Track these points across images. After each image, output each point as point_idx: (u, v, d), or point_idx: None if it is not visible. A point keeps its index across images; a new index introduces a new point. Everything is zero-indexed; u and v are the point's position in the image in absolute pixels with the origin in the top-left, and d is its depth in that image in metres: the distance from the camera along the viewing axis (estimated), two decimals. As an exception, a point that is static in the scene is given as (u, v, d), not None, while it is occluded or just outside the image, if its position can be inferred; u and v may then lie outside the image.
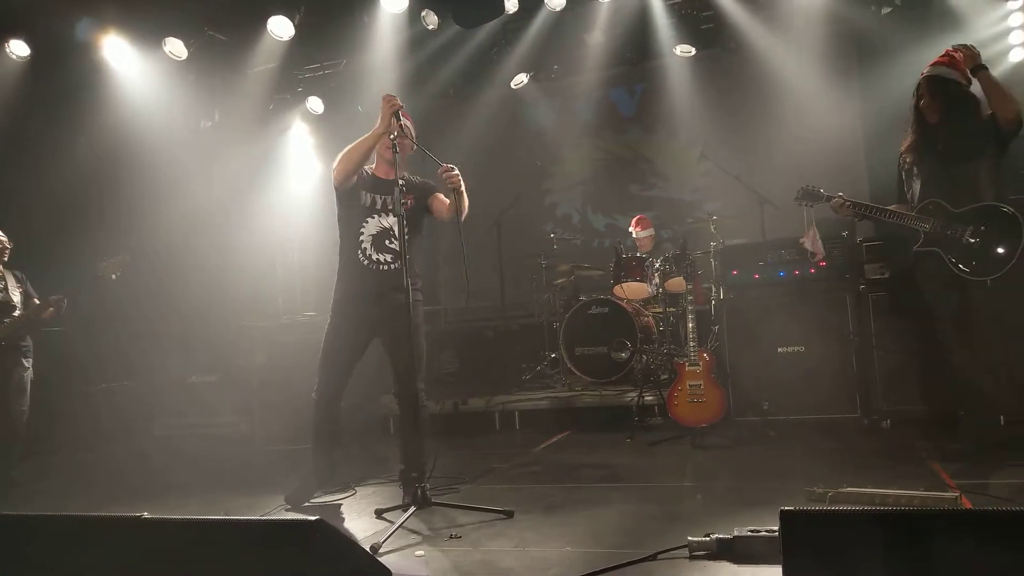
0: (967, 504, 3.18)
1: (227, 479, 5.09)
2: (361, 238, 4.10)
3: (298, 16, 6.78)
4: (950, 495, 3.25)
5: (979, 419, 4.05)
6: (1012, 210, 3.82)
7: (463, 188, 3.93)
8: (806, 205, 4.41)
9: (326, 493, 4.27)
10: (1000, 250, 3.80)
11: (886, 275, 5.06)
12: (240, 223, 7.83)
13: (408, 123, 3.99)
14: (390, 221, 4.09)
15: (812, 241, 4.69)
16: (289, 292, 8.33)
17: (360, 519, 3.85)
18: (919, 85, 4.07)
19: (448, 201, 4.07)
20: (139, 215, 7.12)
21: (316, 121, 8.47)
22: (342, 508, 4.10)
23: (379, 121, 3.90)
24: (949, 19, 6.44)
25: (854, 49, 7.71)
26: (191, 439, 6.47)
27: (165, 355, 6.88)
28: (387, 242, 4.09)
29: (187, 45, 6.95)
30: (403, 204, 3.76)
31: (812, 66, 7.25)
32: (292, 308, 7.78)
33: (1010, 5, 6.33)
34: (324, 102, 8.16)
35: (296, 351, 6.09)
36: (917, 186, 4.10)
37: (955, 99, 3.93)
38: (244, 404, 6.35)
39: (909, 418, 4.89)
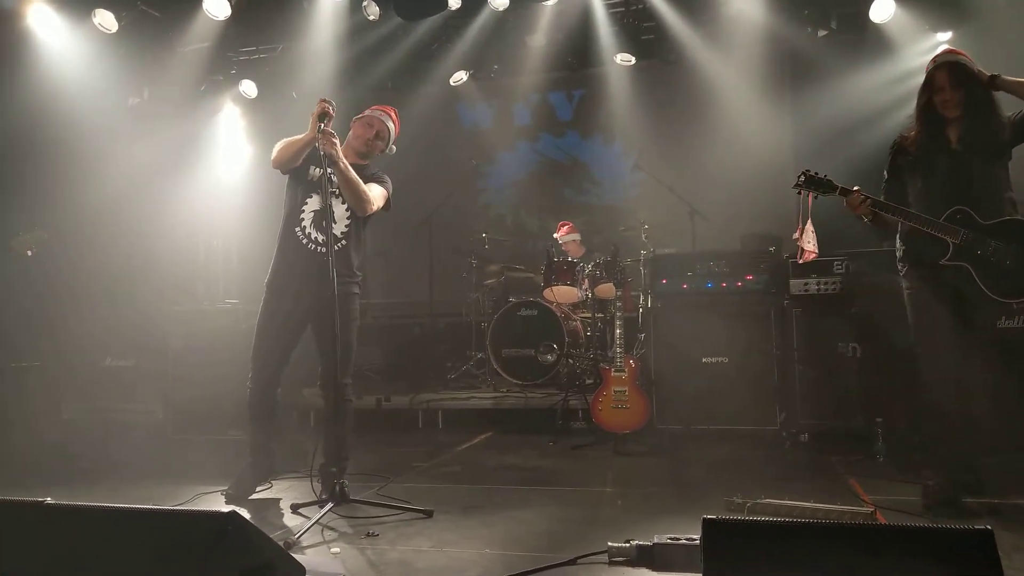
0: (881, 519, 3.26)
1: (139, 467, 4.87)
2: (302, 214, 3.94)
3: (236, -4, 6.58)
4: (865, 510, 3.34)
5: (960, 445, 3.63)
6: None
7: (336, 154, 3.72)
8: (808, 194, 3.77)
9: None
10: None
11: (809, 291, 5.16)
12: (164, 205, 7.54)
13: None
14: (332, 200, 3.89)
15: (808, 237, 4.08)
16: (211, 278, 8.06)
17: (275, 514, 3.74)
18: (933, 77, 3.60)
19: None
20: (59, 191, 6.78)
21: (249, 105, 8.23)
22: (257, 502, 3.97)
23: (310, 125, 3.72)
24: (881, 47, 6.65)
25: (788, 68, 7.90)
26: (102, 424, 6.19)
27: (79, 336, 6.56)
28: (324, 221, 3.82)
29: (118, 18, 6.65)
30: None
31: (748, 82, 7.42)
32: (214, 294, 7.54)
33: (940, 36, 6.59)
34: (258, 86, 7.94)
35: (215, 338, 5.90)
36: (923, 183, 3.68)
37: (977, 91, 3.52)
38: (159, 390, 6.11)
39: (827, 432, 5.01)
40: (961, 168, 3.55)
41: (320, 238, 3.90)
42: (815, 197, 3.73)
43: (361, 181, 3.85)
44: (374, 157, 4.18)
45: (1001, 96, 3.54)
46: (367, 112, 4.21)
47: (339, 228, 3.94)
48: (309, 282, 3.87)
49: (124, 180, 7.21)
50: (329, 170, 3.79)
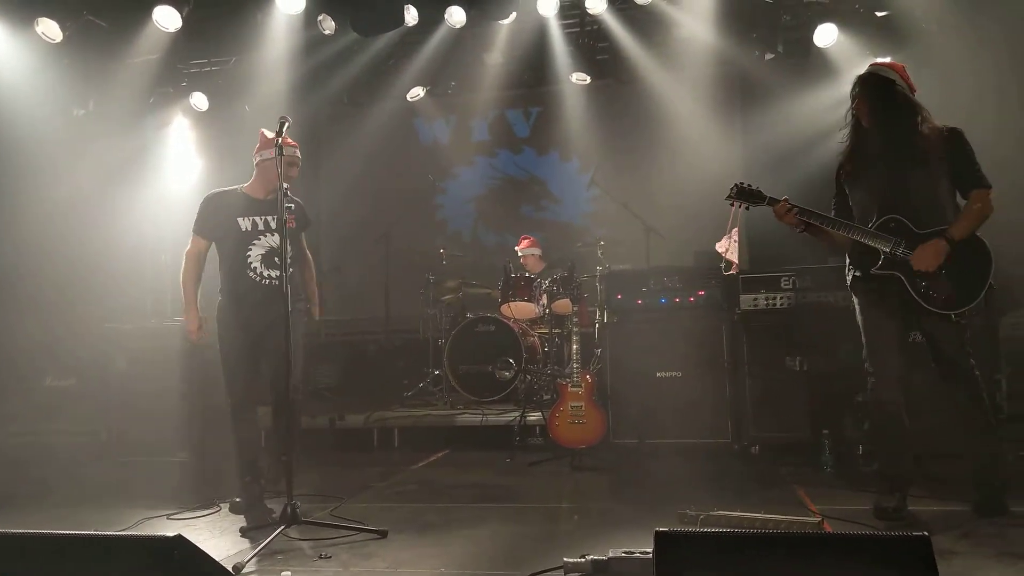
0: (828, 528, 3.32)
1: (82, 492, 4.74)
2: (249, 259, 4.10)
3: (187, 8, 6.46)
4: (812, 519, 3.40)
5: (898, 448, 3.72)
6: (981, 237, 3.48)
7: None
8: (738, 206, 3.81)
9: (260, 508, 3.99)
10: (968, 280, 3.44)
11: (759, 306, 5.27)
12: (110, 219, 7.36)
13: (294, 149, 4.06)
14: (276, 240, 4.05)
15: (730, 247, 4.26)
16: (159, 295, 7.88)
17: (224, 537, 3.67)
18: (854, 85, 3.68)
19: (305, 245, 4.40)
20: (-1, 202, 6.60)
21: (199, 117, 8.10)
22: (205, 525, 3.89)
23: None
24: (825, 69, 6.85)
25: (738, 89, 8.10)
26: (42, 447, 5.98)
27: (16, 356, 6.34)
28: (276, 259, 4.03)
29: (62, 27, 6.48)
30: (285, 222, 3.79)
31: (699, 103, 7.57)
32: (162, 312, 7.37)
33: (880, 61, 6.79)
34: (209, 99, 7.82)
35: (162, 357, 5.74)
36: (860, 194, 3.71)
37: (891, 99, 3.55)
38: (102, 411, 5.92)
39: (776, 444, 5.11)
40: (894, 177, 3.55)
41: (273, 273, 4.09)
42: (747, 208, 3.80)
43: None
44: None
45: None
46: (283, 151, 3.85)
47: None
48: (262, 310, 4.03)
49: (68, 193, 7.04)
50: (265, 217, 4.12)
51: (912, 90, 3.65)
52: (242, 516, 3.96)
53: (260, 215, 4.13)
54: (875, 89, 3.61)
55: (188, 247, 4.24)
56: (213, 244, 4.24)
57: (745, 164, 8.13)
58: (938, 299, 3.49)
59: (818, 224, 3.66)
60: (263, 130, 4.17)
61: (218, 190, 4.27)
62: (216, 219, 4.16)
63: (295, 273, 4.18)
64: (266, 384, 4.12)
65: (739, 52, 6.94)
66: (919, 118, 3.55)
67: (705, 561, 1.99)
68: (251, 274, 4.09)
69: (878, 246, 3.55)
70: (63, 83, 6.99)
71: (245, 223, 4.11)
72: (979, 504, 3.61)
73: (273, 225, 4.11)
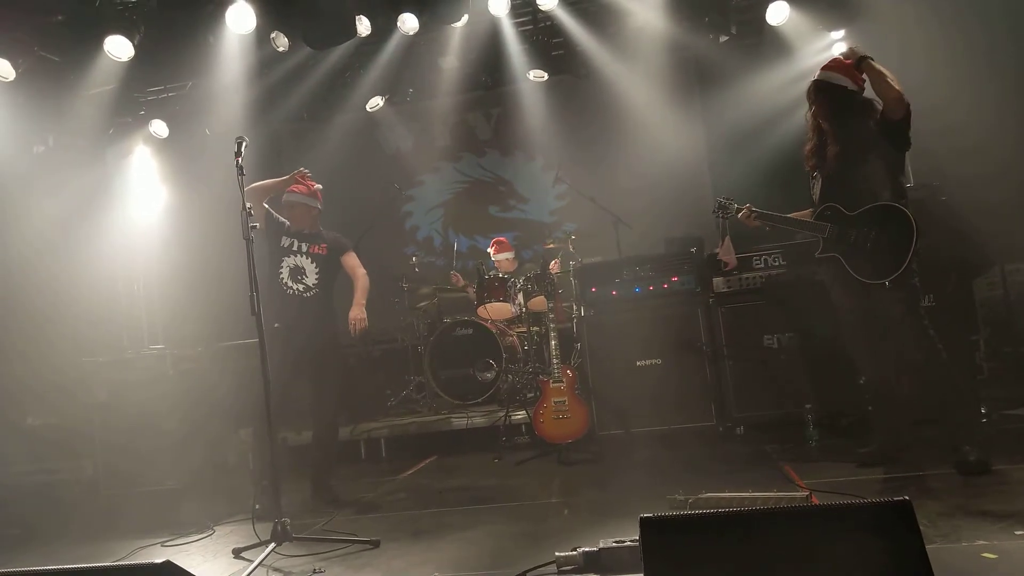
0: (815, 502, 3.37)
1: (72, 527, 4.70)
2: (281, 273, 4.65)
3: (138, 36, 6.40)
4: (800, 494, 3.44)
5: (890, 419, 4.07)
6: (902, 207, 3.81)
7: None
8: (721, 217, 4.31)
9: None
10: (894, 250, 3.78)
11: (732, 288, 5.33)
12: (79, 253, 7.29)
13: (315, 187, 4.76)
14: (303, 261, 4.68)
15: (726, 251, 4.81)
16: (134, 325, 7.82)
17: (217, 560, 3.65)
18: (808, 91, 4.06)
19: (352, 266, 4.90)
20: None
21: (160, 145, 8.04)
22: (197, 550, 3.87)
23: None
24: (779, 47, 6.94)
25: (695, 74, 8.16)
26: (31, 486, 5.92)
27: (-2, 397, 6.27)
28: (300, 276, 4.66)
29: (15, 65, 6.41)
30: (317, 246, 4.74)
31: (657, 90, 7.61)
32: (138, 342, 7.31)
33: (833, 35, 6.90)
34: (169, 125, 7.76)
35: (143, 387, 5.70)
36: (817, 190, 4.12)
37: (842, 103, 3.91)
38: (87, 445, 5.87)
39: (760, 423, 5.16)
40: (844, 171, 3.94)
41: (298, 287, 4.66)
42: (726, 218, 4.30)
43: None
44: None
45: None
46: (307, 192, 4.76)
47: (310, 279, 4.68)
48: (294, 322, 4.55)
49: (34, 230, 6.97)
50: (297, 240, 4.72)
51: (860, 87, 3.94)
52: (234, 537, 3.93)
53: (296, 239, 4.72)
54: (828, 95, 3.96)
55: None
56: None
57: (708, 147, 8.22)
58: (870, 270, 3.86)
59: (771, 224, 4.19)
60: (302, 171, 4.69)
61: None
62: (274, 220, 4.72)
63: (324, 296, 4.70)
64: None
65: (693, 37, 6.99)
66: (867, 114, 3.90)
67: (691, 543, 2.01)
68: (282, 286, 4.64)
69: (816, 234, 4.02)
70: (21, 121, 6.92)
71: (284, 240, 4.71)
72: (958, 464, 3.68)
73: (303, 248, 4.70)
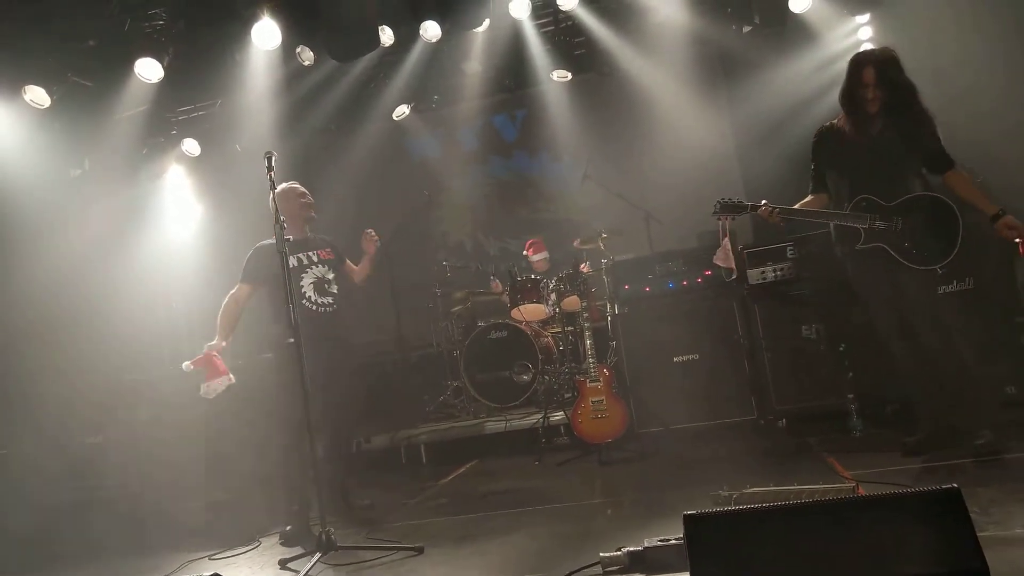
0: (862, 493, 3.32)
1: (124, 542, 4.78)
2: (303, 289, 4.47)
3: (167, 58, 6.53)
4: (847, 485, 3.39)
5: (932, 407, 3.99)
6: (944, 197, 3.83)
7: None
8: (725, 219, 4.16)
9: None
10: (941, 235, 3.78)
11: (767, 279, 5.26)
12: (117, 272, 7.44)
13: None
14: (322, 270, 4.54)
15: (724, 257, 4.64)
16: (175, 341, 7.95)
17: (263, 572, 3.69)
18: (861, 70, 3.83)
19: (355, 267, 4.87)
20: (3, 272, 6.67)
21: (193, 163, 8.17)
22: (244, 562, 3.92)
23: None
24: (804, 34, 6.84)
25: (720, 66, 8.09)
26: (76, 505, 6.04)
27: (40, 419, 6.40)
28: (326, 286, 4.53)
29: (49, 92, 6.57)
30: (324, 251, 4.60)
31: (683, 84, 7.56)
32: (179, 357, 7.41)
33: (859, 19, 6.80)
34: (200, 143, 7.89)
35: (186, 403, 5.79)
36: (839, 175, 4.03)
37: (901, 88, 3.82)
38: (132, 462, 5.97)
39: (802, 415, 5.09)
40: (878, 160, 3.88)
41: (326, 300, 4.54)
42: (732, 219, 4.15)
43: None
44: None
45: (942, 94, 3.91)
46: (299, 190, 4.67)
47: (334, 286, 4.58)
48: (315, 341, 4.25)
49: (74, 252, 7.11)
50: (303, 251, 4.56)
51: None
52: (280, 549, 3.98)
53: (303, 251, 4.53)
54: (893, 77, 3.79)
55: (232, 291, 4.46)
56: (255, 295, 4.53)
57: (736, 138, 8.14)
58: (921, 256, 3.82)
59: (800, 218, 4.07)
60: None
61: (263, 242, 4.49)
62: (261, 262, 4.43)
63: (343, 305, 4.61)
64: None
65: (716, 29, 6.93)
66: (917, 102, 3.85)
67: (736, 538, 1.99)
68: (307, 303, 4.44)
69: (857, 225, 3.91)
70: (56, 146, 7.07)
71: (292, 260, 4.34)
72: (974, 449, 3.67)
73: (315, 258, 4.55)
